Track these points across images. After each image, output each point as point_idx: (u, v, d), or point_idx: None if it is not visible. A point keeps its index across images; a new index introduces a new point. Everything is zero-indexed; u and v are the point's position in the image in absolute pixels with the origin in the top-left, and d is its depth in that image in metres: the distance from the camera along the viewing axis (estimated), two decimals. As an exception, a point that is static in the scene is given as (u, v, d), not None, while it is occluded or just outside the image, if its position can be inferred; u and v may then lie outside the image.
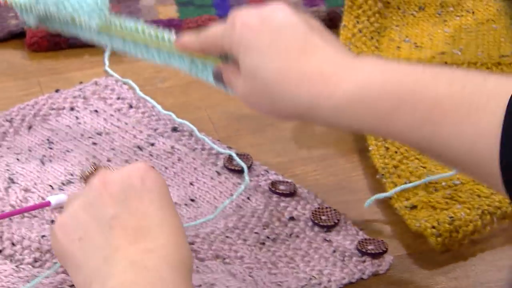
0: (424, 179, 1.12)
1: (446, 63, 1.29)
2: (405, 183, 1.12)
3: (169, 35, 1.11)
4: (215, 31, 1.08)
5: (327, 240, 1.04)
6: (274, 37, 1.02)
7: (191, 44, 1.11)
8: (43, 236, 1.01)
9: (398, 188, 1.11)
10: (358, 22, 1.33)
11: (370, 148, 1.17)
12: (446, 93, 0.95)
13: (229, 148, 1.16)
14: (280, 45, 1.02)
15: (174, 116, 1.19)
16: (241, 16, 1.04)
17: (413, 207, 1.09)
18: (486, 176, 0.95)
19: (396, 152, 1.17)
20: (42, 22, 1.14)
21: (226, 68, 1.08)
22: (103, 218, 0.88)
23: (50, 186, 1.09)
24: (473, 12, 1.42)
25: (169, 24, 1.27)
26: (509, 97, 0.89)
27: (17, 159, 1.11)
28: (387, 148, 1.16)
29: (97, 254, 0.89)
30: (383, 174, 1.14)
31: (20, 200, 1.07)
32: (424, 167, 1.15)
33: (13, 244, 1.01)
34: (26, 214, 1.05)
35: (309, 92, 0.99)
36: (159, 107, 1.20)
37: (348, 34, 1.32)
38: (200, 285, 0.95)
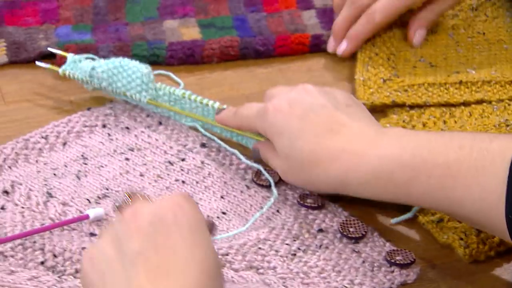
0: None
1: (461, 81, 1.26)
2: None
3: (213, 103, 1.17)
4: (250, 113, 1.12)
5: (356, 251, 1.04)
6: (303, 120, 1.07)
7: (229, 122, 1.16)
8: (83, 248, 1.01)
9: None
10: (374, 45, 1.32)
11: None
12: (456, 158, 1.00)
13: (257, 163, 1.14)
14: (309, 127, 1.06)
15: (202, 130, 1.19)
16: (273, 101, 1.09)
17: (440, 220, 1.08)
18: (495, 229, 0.99)
19: None
20: (98, 90, 1.18)
21: (263, 146, 1.13)
22: (128, 253, 0.85)
23: (87, 200, 1.09)
24: (483, 33, 1.40)
25: (193, 44, 1.27)
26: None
27: (54, 174, 1.11)
28: None
29: None
30: None
31: (59, 214, 1.06)
32: None
33: (54, 256, 1.00)
34: (65, 227, 1.04)
35: (339, 169, 1.04)
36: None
37: (365, 57, 1.30)
38: None
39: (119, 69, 1.18)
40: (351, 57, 1.31)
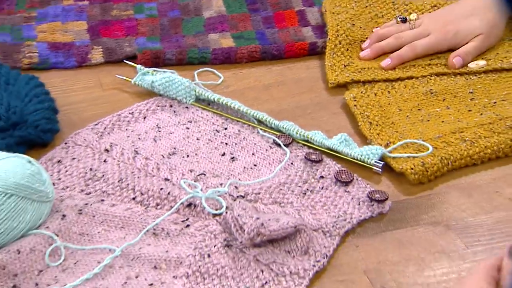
0: (400, 142, 1.09)
1: None
2: (387, 144, 1.08)
3: (232, 103, 1.15)
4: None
5: (346, 191, 1.02)
6: None
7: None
8: (161, 188, 1.00)
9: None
10: (336, 39, 1.29)
11: (359, 124, 1.13)
12: None
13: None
14: None
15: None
16: None
17: (396, 157, 1.06)
18: None
19: (376, 125, 1.13)
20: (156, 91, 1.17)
21: None
22: None
23: (162, 155, 1.08)
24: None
25: (229, 50, 1.26)
26: None
27: (138, 138, 1.10)
28: (371, 123, 1.13)
29: None
30: (371, 139, 1.10)
31: (143, 165, 1.05)
32: (397, 132, 1.12)
33: (141, 194, 1.00)
34: (148, 174, 1.04)
35: None
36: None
37: (330, 50, 1.27)
38: (270, 219, 0.93)
39: (170, 83, 1.17)
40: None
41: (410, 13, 1.32)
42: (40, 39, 1.27)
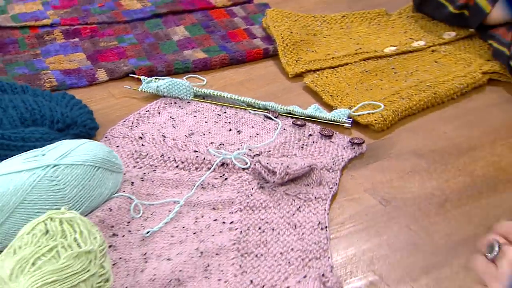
0: (359, 104, 1.17)
1: (331, 56, 1.34)
2: (350, 107, 1.17)
3: (223, 93, 1.21)
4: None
5: (332, 142, 1.11)
6: None
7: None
8: (196, 156, 1.06)
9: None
10: (284, 41, 1.36)
11: (323, 98, 1.22)
12: None
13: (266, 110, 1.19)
14: None
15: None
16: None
17: (360, 114, 1.15)
18: None
19: (336, 96, 1.22)
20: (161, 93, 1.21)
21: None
22: None
23: (185, 136, 1.13)
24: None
25: (204, 60, 1.33)
26: None
27: (161, 127, 1.15)
28: (331, 96, 1.22)
29: None
30: (336, 107, 1.17)
31: (172, 145, 1.11)
32: (353, 99, 1.20)
33: (182, 162, 1.07)
34: (179, 149, 1.11)
35: None
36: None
37: (281, 48, 1.34)
38: (291, 163, 1.01)
39: (172, 85, 1.22)
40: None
41: None
42: (52, 68, 1.30)
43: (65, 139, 1.02)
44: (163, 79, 1.24)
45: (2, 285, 0.72)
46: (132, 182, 1.00)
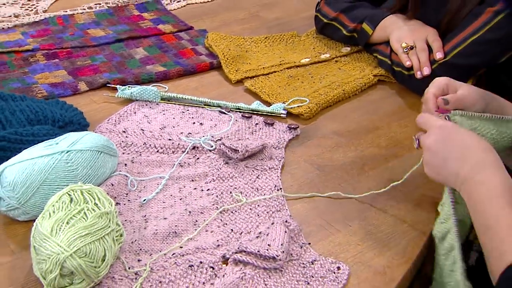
0: (290, 99, 1.19)
1: (271, 65, 1.35)
2: (283, 102, 1.19)
3: (183, 96, 1.21)
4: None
5: (274, 128, 1.15)
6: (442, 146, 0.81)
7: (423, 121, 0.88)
8: (172, 143, 1.08)
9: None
10: (225, 56, 1.38)
11: (261, 97, 1.23)
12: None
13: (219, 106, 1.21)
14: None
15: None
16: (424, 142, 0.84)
17: (292, 107, 1.19)
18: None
19: (272, 95, 1.25)
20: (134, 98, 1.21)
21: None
22: None
23: (159, 128, 1.15)
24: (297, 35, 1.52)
25: (165, 72, 1.34)
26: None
27: (139, 123, 1.17)
28: (268, 95, 1.24)
29: None
30: (273, 103, 1.19)
31: (149, 137, 1.11)
32: (284, 96, 1.23)
33: (161, 147, 1.09)
34: (157, 138, 1.14)
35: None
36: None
37: (223, 61, 1.36)
38: (248, 143, 1.05)
39: (143, 91, 1.22)
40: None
41: None
42: (41, 82, 1.28)
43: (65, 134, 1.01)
44: (134, 86, 1.24)
45: (46, 239, 0.74)
46: (125, 164, 1.02)
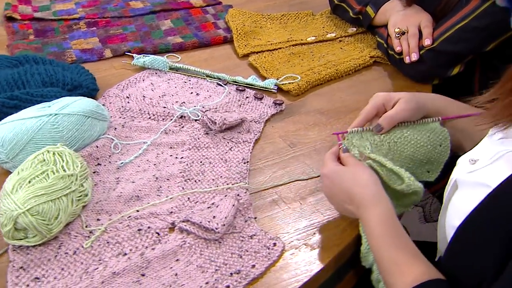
0: (283, 76, 1.08)
1: (273, 42, 1.24)
2: (278, 78, 1.09)
3: (192, 68, 1.12)
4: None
5: (262, 102, 1.05)
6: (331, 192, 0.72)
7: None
8: (164, 111, 1.01)
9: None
10: (238, 31, 1.28)
11: (260, 71, 1.12)
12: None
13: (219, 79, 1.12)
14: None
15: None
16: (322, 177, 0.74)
17: (284, 83, 1.08)
18: None
19: (270, 70, 1.13)
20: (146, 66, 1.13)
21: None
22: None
23: (159, 96, 1.06)
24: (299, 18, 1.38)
25: (181, 43, 1.25)
26: None
27: (143, 89, 1.09)
28: (266, 70, 1.13)
29: None
30: (269, 77, 1.09)
31: (147, 104, 1.04)
32: (280, 72, 1.11)
33: (153, 114, 1.02)
34: (153, 105, 1.06)
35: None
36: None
37: (235, 36, 1.26)
38: (227, 116, 0.96)
39: (154, 60, 1.15)
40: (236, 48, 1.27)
41: None
42: (74, 48, 1.24)
43: (72, 96, 0.96)
44: (148, 56, 1.17)
45: (6, 196, 0.69)
46: (115, 128, 0.96)
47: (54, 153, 0.76)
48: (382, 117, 0.75)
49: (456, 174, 0.63)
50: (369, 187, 0.66)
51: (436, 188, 1.13)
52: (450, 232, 0.58)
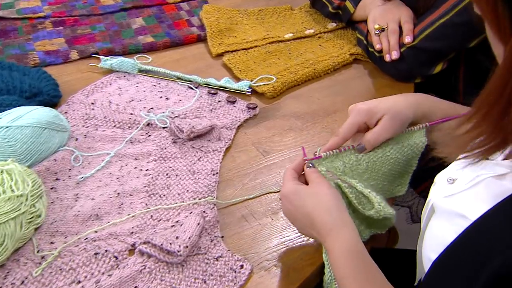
0: (258, 77, 1.04)
1: (248, 40, 1.19)
2: (252, 80, 1.04)
3: (160, 70, 1.07)
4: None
5: (234, 106, 1.00)
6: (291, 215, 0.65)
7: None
8: (129, 118, 0.96)
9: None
10: (212, 29, 1.22)
11: (234, 72, 1.07)
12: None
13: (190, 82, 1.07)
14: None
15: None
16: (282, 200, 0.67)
17: (258, 85, 1.04)
18: None
19: (244, 71, 1.08)
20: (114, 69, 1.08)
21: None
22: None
23: (125, 102, 1.01)
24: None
25: (152, 43, 1.20)
26: None
27: (110, 95, 1.04)
28: (240, 71, 1.09)
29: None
30: (243, 79, 1.04)
31: (113, 110, 0.99)
32: (255, 73, 1.07)
33: (119, 122, 0.96)
34: (119, 112, 1.00)
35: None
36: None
37: (209, 34, 1.21)
38: (196, 123, 0.90)
39: (122, 62, 1.10)
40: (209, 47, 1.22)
41: None
42: (38, 49, 1.18)
43: (32, 105, 0.91)
44: (116, 58, 1.11)
45: None
46: (77, 138, 0.90)
47: (1, 171, 0.69)
48: (366, 139, 0.69)
49: (433, 196, 0.57)
50: (331, 212, 0.60)
51: (422, 188, 1.08)
52: (427, 263, 0.53)
